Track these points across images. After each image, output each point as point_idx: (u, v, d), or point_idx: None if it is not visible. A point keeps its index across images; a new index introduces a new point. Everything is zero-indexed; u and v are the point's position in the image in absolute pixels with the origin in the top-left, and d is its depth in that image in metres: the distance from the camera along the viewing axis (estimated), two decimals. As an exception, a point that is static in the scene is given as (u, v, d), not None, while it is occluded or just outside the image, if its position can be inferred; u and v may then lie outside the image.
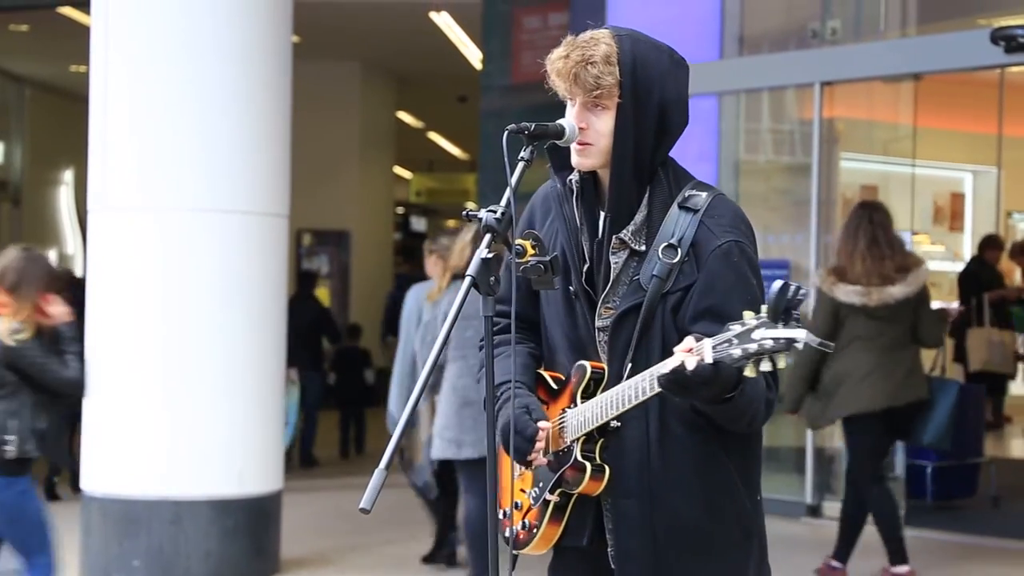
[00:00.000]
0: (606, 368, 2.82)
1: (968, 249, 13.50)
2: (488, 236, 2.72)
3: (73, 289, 7.94)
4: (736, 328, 2.43)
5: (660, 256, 2.75)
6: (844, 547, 7.24)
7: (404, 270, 20.24)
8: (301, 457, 11.97)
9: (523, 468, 2.92)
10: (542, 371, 2.98)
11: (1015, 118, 12.95)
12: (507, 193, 2.73)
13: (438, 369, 6.46)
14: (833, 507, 9.07)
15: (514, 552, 2.90)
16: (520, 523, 2.88)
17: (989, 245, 12.48)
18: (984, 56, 8.44)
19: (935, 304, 8.05)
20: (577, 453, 2.80)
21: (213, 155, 7.04)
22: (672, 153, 2.89)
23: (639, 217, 2.81)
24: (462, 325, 6.09)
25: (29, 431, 5.35)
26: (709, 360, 2.44)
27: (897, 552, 7.16)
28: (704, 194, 2.81)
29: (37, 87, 18.90)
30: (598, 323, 2.86)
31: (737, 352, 2.41)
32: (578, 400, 2.83)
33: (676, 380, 2.53)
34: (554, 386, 2.93)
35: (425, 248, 7.46)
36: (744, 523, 2.83)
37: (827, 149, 9.54)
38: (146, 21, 7.07)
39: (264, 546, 7.28)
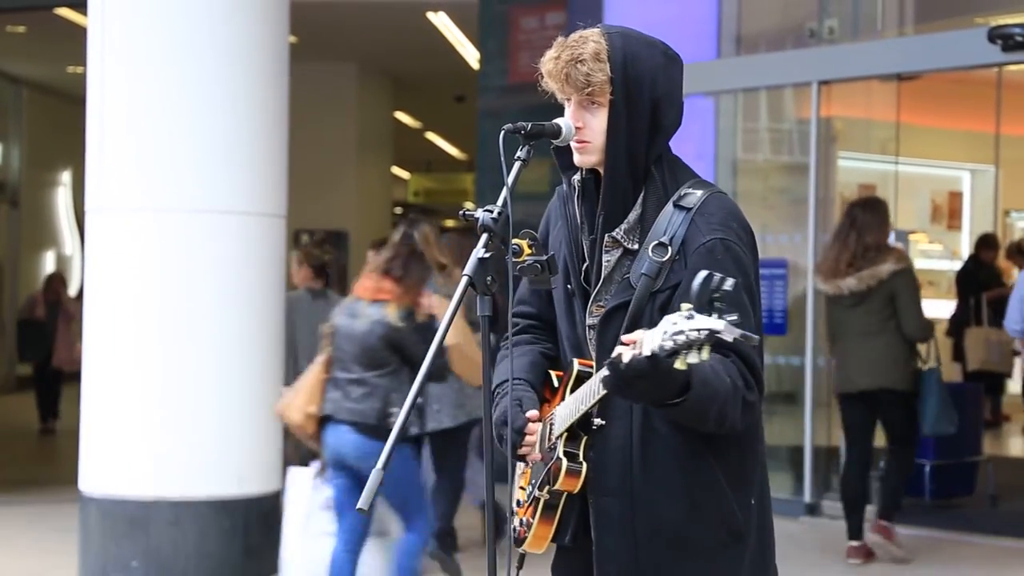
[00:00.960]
0: (594, 366, 2.82)
1: (966, 248, 13.51)
2: (485, 236, 2.73)
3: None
4: (669, 320, 2.35)
5: (650, 254, 2.74)
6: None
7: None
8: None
9: (524, 465, 2.92)
10: (552, 370, 2.98)
11: (1013, 117, 12.96)
12: (503, 193, 2.74)
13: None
14: (832, 506, 9.08)
15: (518, 549, 2.89)
16: (519, 520, 2.88)
17: (985, 245, 12.50)
18: (981, 55, 8.45)
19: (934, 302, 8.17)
20: (559, 450, 2.79)
21: (210, 156, 7.04)
22: None
23: (633, 215, 2.81)
24: None
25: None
26: (646, 352, 2.36)
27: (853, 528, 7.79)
28: (699, 192, 2.79)
29: (34, 88, 18.91)
30: (588, 321, 2.86)
31: (668, 344, 2.33)
32: (567, 397, 2.83)
33: (613, 374, 2.46)
34: (556, 384, 2.93)
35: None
36: (732, 525, 2.77)
37: (824, 148, 9.55)
38: (143, 22, 7.06)
39: (263, 547, 7.28)
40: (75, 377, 12.66)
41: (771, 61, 9.62)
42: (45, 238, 19.77)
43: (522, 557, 2.88)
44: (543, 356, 3.00)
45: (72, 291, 19.34)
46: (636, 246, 2.79)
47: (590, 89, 2.78)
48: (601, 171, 2.85)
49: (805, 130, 9.54)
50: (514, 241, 2.77)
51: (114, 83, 7.08)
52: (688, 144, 2.90)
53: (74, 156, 9.97)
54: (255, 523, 7.19)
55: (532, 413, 2.83)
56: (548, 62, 2.82)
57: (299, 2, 7.83)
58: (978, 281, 12.19)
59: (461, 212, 2.87)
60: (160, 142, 7.00)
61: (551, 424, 2.85)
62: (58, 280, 15.74)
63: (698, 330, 2.31)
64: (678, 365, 2.34)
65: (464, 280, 2.69)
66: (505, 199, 2.74)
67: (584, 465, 2.78)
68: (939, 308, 13.18)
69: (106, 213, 7.13)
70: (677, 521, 2.75)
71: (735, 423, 2.66)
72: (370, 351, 5.95)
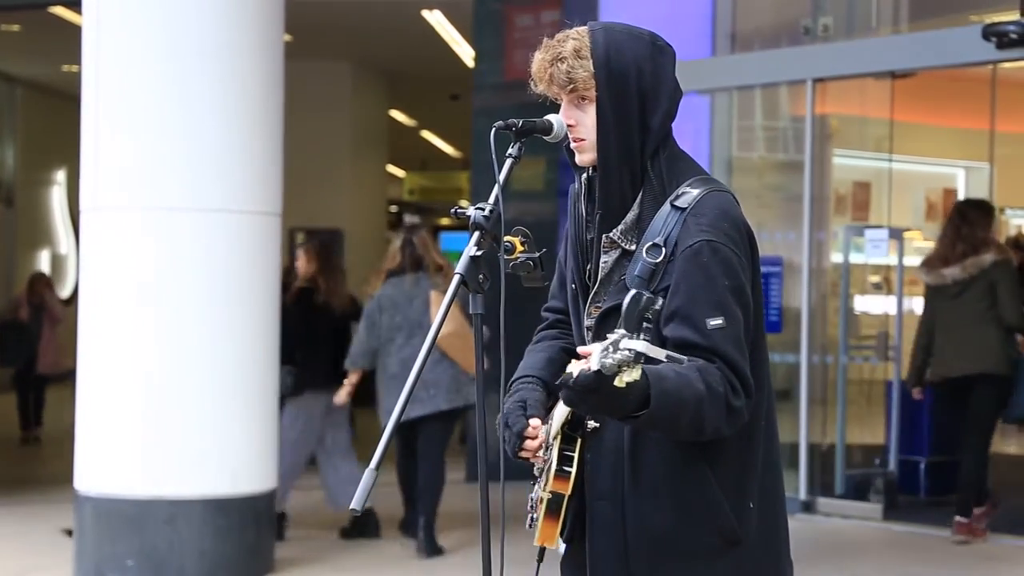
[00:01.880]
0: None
1: (961, 245, 13.50)
2: (477, 234, 2.72)
3: None
4: (614, 336, 2.33)
5: (644, 256, 2.70)
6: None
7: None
8: None
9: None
10: None
11: (1007, 114, 12.94)
12: (495, 190, 2.73)
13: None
14: (827, 503, 9.09)
15: (534, 544, 2.88)
16: (532, 515, 2.87)
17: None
18: (976, 52, 8.45)
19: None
20: (554, 451, 2.77)
21: (206, 154, 7.03)
22: None
23: (630, 216, 2.78)
24: (391, 313, 7.97)
25: None
26: (595, 367, 2.33)
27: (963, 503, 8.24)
28: (696, 191, 2.74)
29: (29, 87, 18.89)
30: (586, 322, 2.85)
31: (609, 361, 2.31)
32: None
33: (566, 389, 2.44)
34: None
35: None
36: (726, 531, 2.72)
37: (819, 146, 9.55)
38: (138, 20, 7.06)
39: (258, 545, 7.28)
40: (57, 380, 12.61)
41: (766, 59, 9.62)
42: (40, 237, 19.76)
43: (541, 551, 2.85)
44: (564, 352, 2.96)
45: (66, 290, 19.34)
46: (633, 247, 2.76)
47: (572, 86, 2.76)
48: None
49: (800, 128, 9.54)
50: (506, 238, 2.76)
51: (109, 82, 7.08)
52: (683, 142, 2.88)
53: (69, 155, 9.97)
54: (250, 521, 7.19)
55: (535, 422, 2.80)
56: (534, 63, 2.81)
57: (294, 0, 7.83)
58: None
59: (454, 210, 2.86)
60: (155, 141, 7.00)
61: (549, 423, 2.84)
62: (42, 282, 14.75)
63: (626, 350, 2.31)
64: (617, 383, 2.33)
65: (456, 278, 2.69)
66: (497, 196, 2.73)
67: (574, 469, 2.75)
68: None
69: (101, 212, 7.12)
70: (667, 526, 2.72)
71: (718, 430, 2.61)
72: None
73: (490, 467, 2.76)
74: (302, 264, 8.58)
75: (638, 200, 2.78)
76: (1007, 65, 10.57)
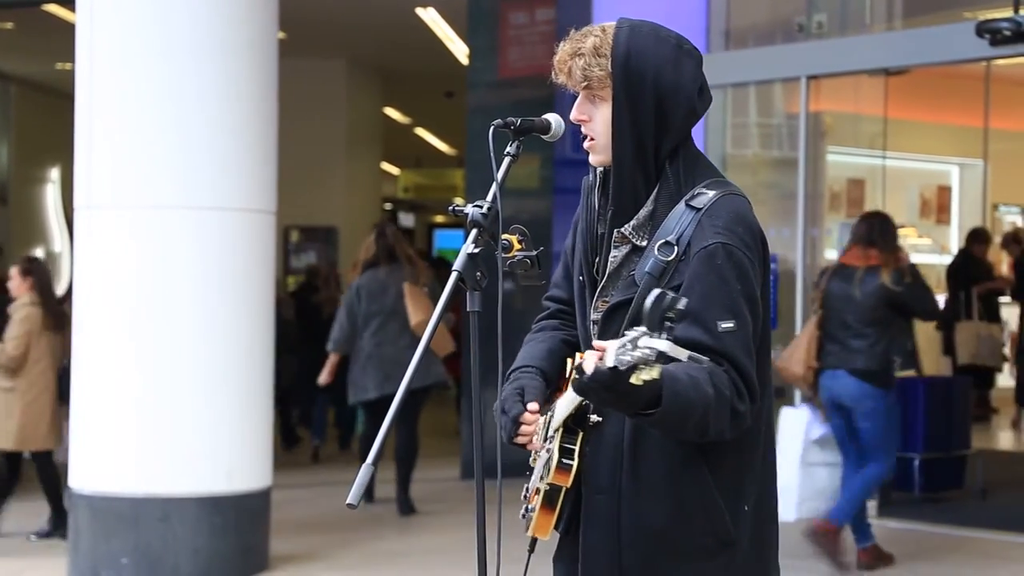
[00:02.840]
0: None
1: (955, 242, 13.53)
2: (474, 231, 2.72)
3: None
4: (633, 334, 2.33)
5: (656, 253, 2.70)
6: None
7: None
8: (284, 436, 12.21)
9: (534, 452, 2.91)
10: (570, 358, 2.94)
11: (1001, 111, 12.98)
12: (493, 188, 2.73)
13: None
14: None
15: (526, 534, 2.88)
16: (526, 506, 2.87)
17: (976, 239, 12.50)
18: (970, 49, 8.45)
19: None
20: (556, 444, 2.77)
21: (200, 152, 7.03)
22: None
23: (643, 212, 2.77)
24: (367, 301, 9.07)
25: (901, 352, 7.45)
26: (610, 363, 2.34)
27: None
28: (712, 192, 2.74)
29: (23, 85, 18.85)
30: (592, 315, 2.84)
31: (627, 358, 2.31)
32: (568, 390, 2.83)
33: (578, 381, 2.46)
34: (568, 375, 2.92)
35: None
36: (720, 532, 2.72)
37: (814, 143, 9.55)
38: (132, 18, 7.05)
39: (253, 543, 7.28)
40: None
41: (760, 56, 9.62)
42: (34, 235, 19.71)
43: (533, 541, 2.86)
44: (564, 343, 2.96)
45: (61, 288, 19.29)
46: (645, 243, 2.76)
47: (586, 83, 2.77)
48: None
49: (794, 125, 9.54)
50: (504, 236, 2.76)
51: (103, 80, 7.07)
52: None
53: (63, 153, 9.93)
54: (245, 519, 7.19)
55: (532, 406, 2.80)
56: (557, 54, 2.81)
57: (288, -2, 7.82)
58: (968, 275, 12.20)
59: (450, 208, 2.86)
60: (149, 139, 7.00)
61: (551, 415, 2.84)
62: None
63: (648, 348, 2.31)
64: (633, 381, 2.34)
65: (454, 275, 2.69)
66: (495, 194, 2.73)
67: (575, 462, 2.75)
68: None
69: (95, 210, 7.12)
70: (662, 524, 2.72)
71: (721, 433, 2.62)
72: (870, 310, 7.21)
73: (486, 465, 2.76)
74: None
75: (652, 197, 2.78)
76: (1001, 62, 10.59)
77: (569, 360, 2.94)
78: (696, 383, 2.54)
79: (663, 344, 2.31)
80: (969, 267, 12.33)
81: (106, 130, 7.07)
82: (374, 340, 9.00)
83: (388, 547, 8.15)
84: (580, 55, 2.76)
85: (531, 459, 2.94)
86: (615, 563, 2.75)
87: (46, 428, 8.29)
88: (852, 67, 9.34)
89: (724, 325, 2.62)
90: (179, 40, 7.02)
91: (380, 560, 7.80)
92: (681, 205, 2.73)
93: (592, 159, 2.85)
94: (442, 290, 2.69)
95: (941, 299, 12.45)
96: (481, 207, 2.73)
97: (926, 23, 9.63)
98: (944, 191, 13.85)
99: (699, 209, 2.71)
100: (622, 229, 2.79)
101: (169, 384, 6.97)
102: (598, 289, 2.84)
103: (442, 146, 25.46)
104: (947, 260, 13.04)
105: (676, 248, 2.69)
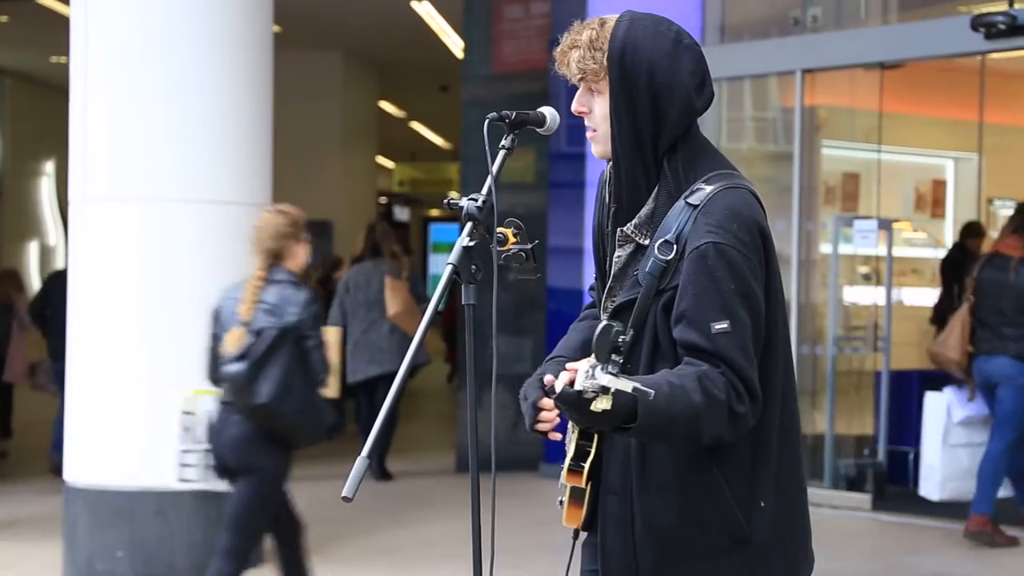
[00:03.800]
0: None
1: (950, 236, 13.52)
2: (469, 224, 2.72)
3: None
4: (587, 364, 2.40)
5: (656, 252, 2.69)
6: None
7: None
8: None
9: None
10: None
11: (996, 105, 12.97)
12: (488, 181, 2.73)
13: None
14: (816, 494, 9.10)
15: (563, 523, 2.88)
16: (560, 499, 2.87)
17: (971, 232, 12.49)
18: (965, 43, 8.46)
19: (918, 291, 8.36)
20: (572, 444, 2.77)
21: (194, 145, 7.03)
22: None
23: (645, 210, 2.76)
24: (354, 293, 10.30)
25: None
26: (579, 387, 2.40)
27: None
28: (709, 188, 2.71)
29: (17, 78, 18.85)
30: (602, 316, 2.84)
31: (588, 384, 2.38)
32: None
33: (556, 398, 2.52)
34: None
35: None
36: (734, 530, 2.69)
37: (809, 137, 9.56)
38: (126, 11, 7.04)
39: (248, 536, 7.27)
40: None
41: (755, 50, 9.62)
42: (28, 229, 19.72)
43: (576, 531, 2.86)
44: None
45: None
46: (647, 241, 2.74)
47: (581, 76, 2.77)
48: None
49: (789, 119, 9.55)
50: (499, 229, 2.76)
51: (97, 73, 7.06)
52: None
53: (57, 146, 9.94)
54: (241, 513, 7.18)
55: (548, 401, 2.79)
56: (560, 44, 2.81)
57: (283, -9, 7.82)
58: (963, 269, 12.19)
59: (446, 200, 2.86)
60: (144, 132, 6.99)
61: None
62: (10, 281, 12.44)
63: (594, 382, 2.38)
64: (593, 408, 2.40)
65: (449, 268, 2.69)
66: (490, 188, 2.73)
67: (587, 464, 2.73)
68: (923, 296, 13.20)
69: (90, 204, 7.11)
70: (673, 524, 2.70)
71: (718, 437, 2.60)
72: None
73: (481, 459, 2.76)
74: None
75: (653, 195, 2.77)
76: (996, 56, 10.59)
77: None
78: (680, 392, 2.53)
79: (606, 379, 2.37)
80: (964, 261, 12.32)
81: (100, 123, 7.06)
82: (360, 327, 10.18)
83: (383, 540, 8.15)
84: (576, 47, 2.77)
85: (564, 444, 2.92)
86: (631, 563, 2.74)
87: None
88: (847, 61, 9.34)
89: (718, 327, 2.60)
90: (173, 33, 7.01)
91: (375, 553, 7.81)
92: (680, 202, 2.71)
93: (594, 149, 2.85)
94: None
95: (935, 293, 12.49)
96: (476, 200, 2.73)
97: (921, 17, 9.64)
98: (939, 185, 13.84)
99: (696, 206, 2.69)
100: (624, 228, 2.79)
101: (164, 377, 6.96)
102: (606, 288, 2.84)
103: (437, 140, 25.47)
104: (942, 254, 13.04)
105: (675, 247, 2.67)
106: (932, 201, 13.81)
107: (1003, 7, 8.31)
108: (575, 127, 2.87)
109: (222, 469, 5.84)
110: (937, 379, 8.95)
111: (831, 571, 7.27)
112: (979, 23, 8.14)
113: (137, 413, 6.95)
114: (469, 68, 11.46)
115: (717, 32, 9.80)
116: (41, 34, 15.15)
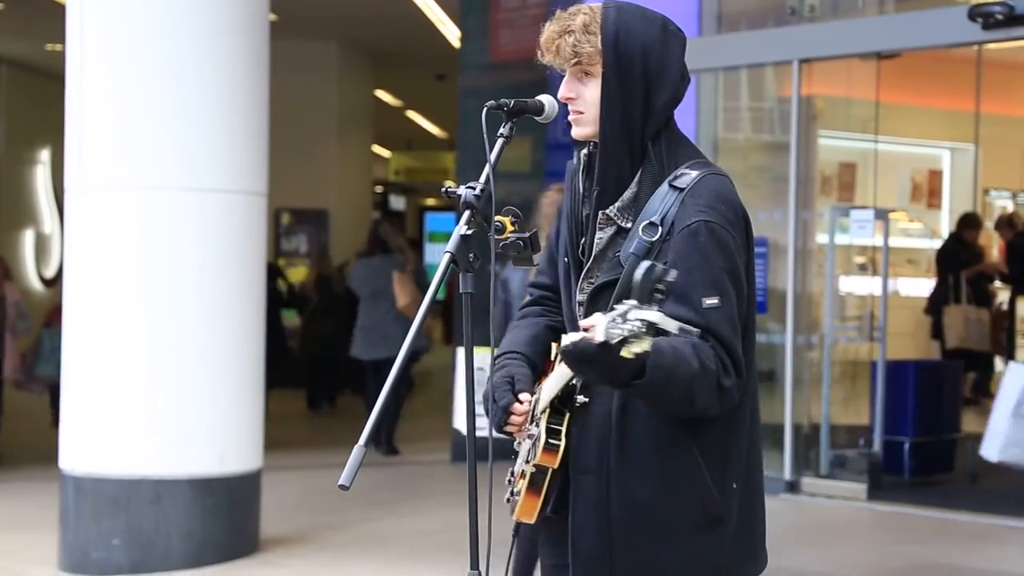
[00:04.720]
0: None
1: (946, 226, 13.54)
2: (467, 213, 2.73)
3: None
4: (623, 307, 2.34)
5: (640, 234, 2.72)
6: None
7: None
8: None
9: (518, 436, 2.92)
10: (555, 342, 2.96)
11: (992, 95, 12.99)
12: (486, 170, 2.73)
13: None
14: (812, 483, 9.12)
15: (512, 517, 2.89)
16: (512, 490, 2.89)
17: (967, 223, 12.51)
18: (961, 33, 8.45)
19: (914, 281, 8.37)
20: (542, 425, 2.79)
21: (190, 133, 7.02)
22: None
23: (628, 194, 2.79)
24: (362, 285, 11.44)
25: None
26: (600, 338, 2.34)
27: None
28: (694, 173, 2.76)
29: (13, 66, 18.80)
30: (578, 296, 2.86)
31: (617, 332, 2.32)
32: (554, 371, 2.83)
33: (566, 354, 2.47)
34: (552, 359, 2.93)
35: None
36: (710, 509, 2.74)
37: (805, 127, 9.55)
38: (122, 0, 7.03)
39: (244, 525, 7.29)
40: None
41: (752, 39, 9.62)
42: (24, 216, 19.68)
43: (518, 525, 2.88)
44: (549, 329, 2.99)
45: (51, 270, 19.28)
46: (629, 224, 2.77)
47: (577, 60, 2.78)
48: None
49: (786, 109, 9.55)
50: (497, 218, 2.76)
51: (93, 61, 7.05)
52: (668, 123, 2.88)
53: (53, 134, 9.87)
54: (237, 502, 7.19)
55: (524, 396, 2.82)
56: (543, 34, 2.83)
57: (279, -21, 7.81)
58: (959, 260, 12.21)
59: (443, 189, 2.86)
60: (140, 121, 6.98)
61: (537, 397, 2.85)
62: None
63: (638, 320, 2.31)
64: (624, 354, 2.35)
65: (446, 256, 2.70)
66: (488, 176, 2.74)
67: (562, 442, 2.77)
68: (919, 287, 13.23)
69: (86, 192, 7.10)
70: (651, 502, 2.73)
71: (707, 407, 2.63)
72: None
73: (478, 448, 2.77)
74: None
75: (636, 179, 2.80)
76: (992, 46, 10.59)
77: (554, 345, 2.96)
78: (681, 355, 2.56)
79: (654, 315, 2.32)
80: (960, 252, 12.34)
81: (96, 112, 7.05)
82: (364, 314, 11.31)
83: (379, 529, 8.16)
84: (569, 32, 2.78)
85: (515, 443, 2.95)
86: (606, 541, 2.76)
87: None
88: (844, 51, 9.34)
89: (708, 301, 2.64)
90: (169, 22, 6.99)
91: (371, 542, 7.81)
92: (665, 186, 2.76)
93: (575, 131, 2.86)
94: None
95: (931, 283, 12.52)
96: (474, 188, 2.74)
97: (918, 7, 9.62)
98: (935, 175, 13.86)
99: (682, 189, 2.73)
100: (607, 211, 2.81)
101: (161, 366, 6.96)
102: (584, 270, 2.85)
103: (433, 129, 25.45)
104: (938, 244, 13.06)
105: (660, 228, 2.71)
106: (928, 191, 13.83)
107: (1000, -3, 8.30)
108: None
109: None
110: (932, 369, 8.96)
111: (826, 560, 7.29)
112: (976, 13, 8.13)
113: (134, 401, 6.94)
114: (466, 57, 11.45)
115: (714, 21, 9.79)
116: (37, 22, 15.12)
